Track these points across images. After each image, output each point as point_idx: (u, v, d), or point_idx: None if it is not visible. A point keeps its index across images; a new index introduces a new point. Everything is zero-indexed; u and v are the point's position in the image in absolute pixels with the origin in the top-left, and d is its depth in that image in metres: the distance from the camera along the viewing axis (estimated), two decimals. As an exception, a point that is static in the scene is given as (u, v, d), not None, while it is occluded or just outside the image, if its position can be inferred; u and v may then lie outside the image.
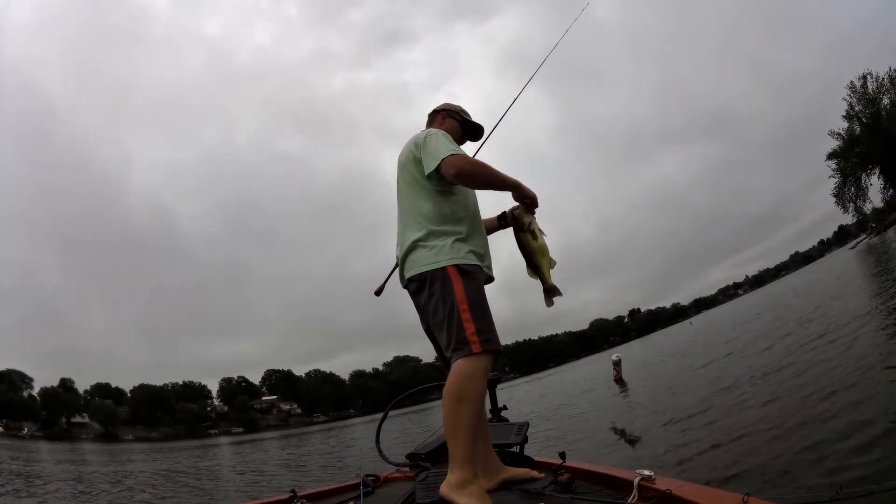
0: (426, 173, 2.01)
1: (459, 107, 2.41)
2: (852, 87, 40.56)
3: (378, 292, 2.40)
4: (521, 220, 2.14)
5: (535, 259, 2.13)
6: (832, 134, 42.83)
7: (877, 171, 40.33)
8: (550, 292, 2.15)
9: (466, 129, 2.39)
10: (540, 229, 2.14)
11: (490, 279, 2.09)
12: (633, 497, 1.56)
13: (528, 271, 2.15)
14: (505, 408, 2.94)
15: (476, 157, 2.03)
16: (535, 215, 2.16)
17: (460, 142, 2.35)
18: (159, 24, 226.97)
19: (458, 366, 1.82)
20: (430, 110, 2.44)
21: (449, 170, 1.95)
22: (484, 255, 2.08)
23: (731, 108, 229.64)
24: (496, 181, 2.08)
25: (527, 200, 2.14)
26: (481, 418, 1.94)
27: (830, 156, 42.81)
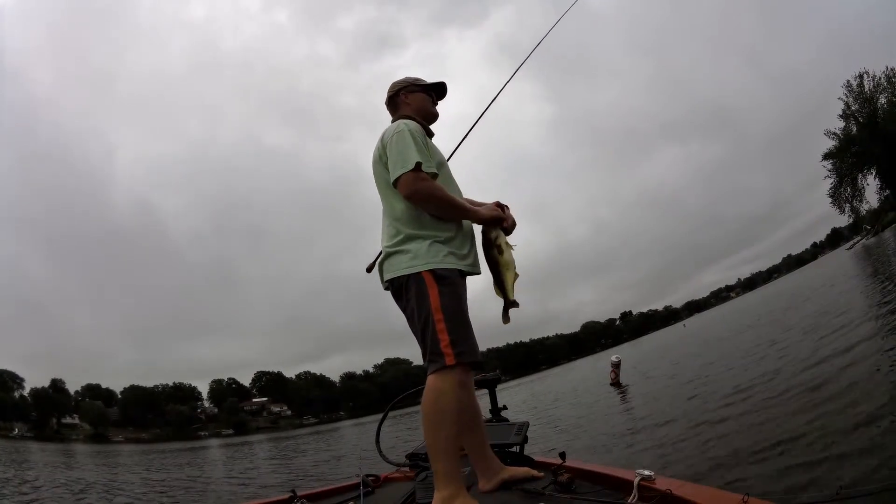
0: (391, 181, 1.91)
1: (413, 77, 2.26)
2: (848, 86, 40.18)
3: (369, 269, 2.29)
4: (487, 235, 2.07)
5: (501, 273, 2.04)
6: (828, 133, 42.15)
7: (873, 171, 39.95)
8: (510, 307, 2.06)
9: (432, 91, 2.25)
10: (507, 243, 2.07)
11: (475, 273, 2.02)
12: (633, 497, 1.56)
13: (496, 289, 2.06)
14: (505, 408, 2.93)
15: (436, 183, 1.91)
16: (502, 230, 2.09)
17: (433, 105, 2.24)
18: (143, 11, 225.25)
19: (430, 382, 1.79)
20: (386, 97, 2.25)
21: (402, 190, 1.87)
22: (467, 255, 2.00)
23: (727, 106, 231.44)
24: (451, 211, 1.96)
25: (489, 224, 2.06)
26: (462, 430, 1.89)
27: (826, 156, 42.15)
